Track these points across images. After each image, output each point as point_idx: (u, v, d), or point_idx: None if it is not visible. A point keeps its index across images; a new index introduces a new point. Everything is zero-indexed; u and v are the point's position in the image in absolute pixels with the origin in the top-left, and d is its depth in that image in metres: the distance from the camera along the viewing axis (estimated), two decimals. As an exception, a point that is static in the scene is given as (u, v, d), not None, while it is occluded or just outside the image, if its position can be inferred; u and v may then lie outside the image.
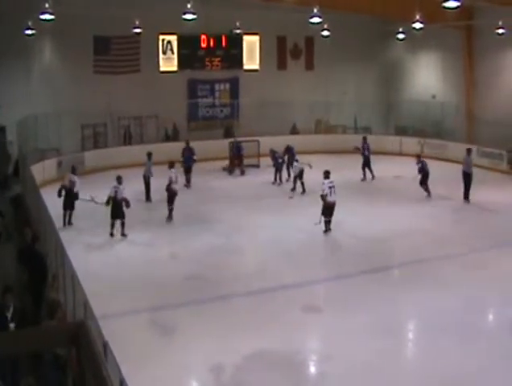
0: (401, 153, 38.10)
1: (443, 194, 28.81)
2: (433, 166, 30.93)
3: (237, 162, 34.70)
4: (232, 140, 35.69)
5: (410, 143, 38.56)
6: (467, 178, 27.89)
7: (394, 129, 42.21)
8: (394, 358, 14.26)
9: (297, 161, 30.56)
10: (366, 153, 32.46)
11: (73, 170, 25.49)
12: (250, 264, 21.56)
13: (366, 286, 18.45)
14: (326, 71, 42.95)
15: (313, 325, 16.36)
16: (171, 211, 25.49)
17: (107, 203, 23.33)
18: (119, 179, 23.55)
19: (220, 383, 13.32)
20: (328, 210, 23.06)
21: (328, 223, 23.18)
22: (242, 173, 34.01)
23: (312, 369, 14.53)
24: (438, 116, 39.59)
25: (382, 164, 34.96)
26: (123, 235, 23.26)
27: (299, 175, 29.52)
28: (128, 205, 23.28)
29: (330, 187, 23.10)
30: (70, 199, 24.45)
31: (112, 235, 23.15)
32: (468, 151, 28.75)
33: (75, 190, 24.61)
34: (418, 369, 13.95)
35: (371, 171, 32.30)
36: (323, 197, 23.02)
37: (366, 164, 32.40)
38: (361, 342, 14.83)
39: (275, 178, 31.52)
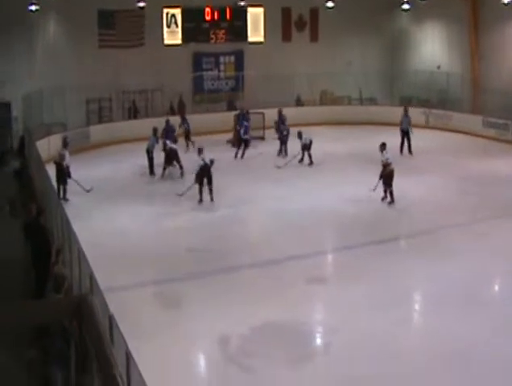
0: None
1: (449, 164, 28.81)
2: (438, 137, 30.94)
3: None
4: (238, 112, 35.50)
5: (415, 113, 38.37)
6: (405, 135, 31.26)
7: (398, 100, 42.03)
8: (399, 328, 14.32)
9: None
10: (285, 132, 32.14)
11: (64, 144, 25.69)
12: (256, 236, 21.66)
13: (372, 257, 18.50)
14: (331, 42, 42.75)
15: (319, 296, 16.47)
16: (164, 169, 27.85)
17: (196, 176, 23.97)
18: (201, 150, 24.25)
19: (226, 354, 13.43)
20: (389, 178, 23.24)
21: (391, 193, 23.34)
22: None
23: (318, 340, 14.65)
24: (443, 86, 39.44)
25: (388, 135, 34.85)
26: (212, 200, 23.96)
27: (307, 146, 29.43)
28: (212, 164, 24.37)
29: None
30: (60, 173, 24.35)
31: (201, 201, 23.95)
32: (406, 110, 32.03)
33: (64, 164, 24.48)
34: (422, 339, 14.05)
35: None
36: (386, 165, 23.25)
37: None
38: (366, 312, 14.92)
39: (280, 150, 31.48)
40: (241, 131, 32.27)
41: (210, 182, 23.98)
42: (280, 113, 33.20)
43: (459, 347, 13.20)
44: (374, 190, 23.41)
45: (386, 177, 23.31)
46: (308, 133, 29.99)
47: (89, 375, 2.56)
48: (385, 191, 23.46)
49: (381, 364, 12.70)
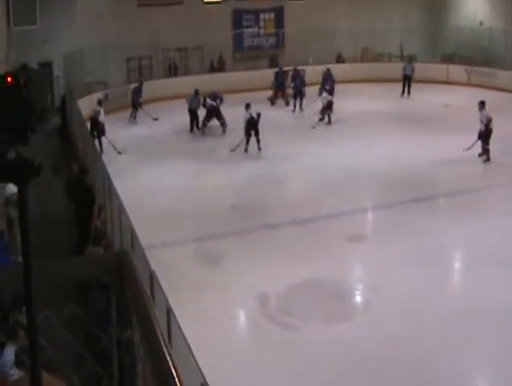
0: (447, 82, 37.54)
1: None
2: (481, 95, 30.44)
3: (280, 92, 34.51)
4: (277, 70, 35.45)
5: (457, 71, 37.93)
6: (407, 79, 35.26)
7: (440, 57, 41.48)
8: (437, 287, 14.35)
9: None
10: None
11: (99, 102, 26.64)
12: (295, 194, 21.71)
13: (412, 215, 18.45)
14: (372, -2, 42.22)
15: (358, 254, 16.51)
16: (205, 126, 28.55)
17: (246, 130, 25.02)
18: (248, 105, 25.39)
19: (265, 311, 13.55)
20: (488, 136, 23.14)
21: (488, 151, 23.21)
22: (287, 103, 33.79)
23: (357, 298, 14.71)
24: (486, 43, 38.79)
25: (429, 92, 34.61)
26: (259, 149, 25.10)
27: (328, 106, 29.32)
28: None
29: None
30: (96, 128, 25.17)
31: (246, 150, 25.13)
32: (410, 59, 36.94)
33: (100, 119, 25.39)
34: (461, 299, 14.07)
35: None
36: (488, 123, 23.08)
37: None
38: (405, 271, 14.93)
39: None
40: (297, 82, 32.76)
41: (257, 134, 24.94)
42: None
43: (496, 307, 13.19)
44: (469, 148, 23.14)
45: (487, 134, 23.12)
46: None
47: (130, 331, 2.64)
48: (483, 148, 23.24)
49: (419, 323, 12.77)
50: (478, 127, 23.21)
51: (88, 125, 24.78)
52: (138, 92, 30.86)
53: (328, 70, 32.85)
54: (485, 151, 23.17)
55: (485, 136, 23.14)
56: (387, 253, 15.88)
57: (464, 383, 11.46)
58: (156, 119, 30.10)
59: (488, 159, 23.10)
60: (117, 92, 32.70)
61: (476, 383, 12.09)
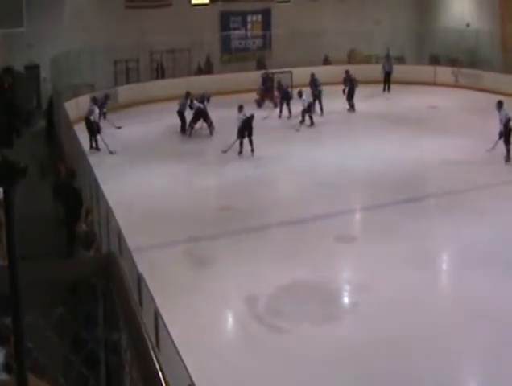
0: (435, 83, 37.64)
1: (478, 124, 28.44)
2: (468, 96, 30.59)
3: (269, 94, 34.49)
4: (263, 71, 35.47)
5: (445, 73, 38.01)
6: (387, 76, 36.78)
7: (427, 59, 41.57)
8: (426, 288, 14.36)
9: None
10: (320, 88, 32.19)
11: (94, 101, 27.31)
12: (284, 195, 21.67)
13: (401, 216, 18.49)
14: (359, 0, 42.23)
15: (347, 255, 16.54)
16: (192, 128, 28.49)
17: (239, 130, 24.90)
18: (241, 107, 25.44)
19: (255, 312, 13.53)
20: (509, 136, 23.00)
21: (509, 151, 23.08)
22: (275, 105, 33.76)
23: (346, 299, 14.72)
24: (472, 44, 38.89)
25: (416, 94, 34.69)
26: (252, 151, 24.91)
27: (308, 108, 29.33)
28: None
29: None
30: (88, 125, 25.77)
31: (241, 152, 24.99)
32: (388, 58, 37.81)
33: (91, 118, 25.85)
34: (450, 300, 14.11)
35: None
36: (508, 124, 22.91)
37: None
38: (395, 272, 14.97)
39: (314, 107, 31.20)
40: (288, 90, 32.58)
41: (251, 135, 24.84)
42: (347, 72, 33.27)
43: (485, 308, 13.21)
44: (493, 148, 23.11)
45: (507, 134, 23.02)
46: (308, 94, 30.09)
47: (117, 334, 2.64)
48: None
49: (408, 324, 12.77)
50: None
51: (84, 123, 25.69)
52: (102, 103, 30.57)
53: (347, 73, 32.86)
54: (507, 151, 23.10)
55: (505, 135, 23.09)
56: (378, 254, 15.88)
57: (452, 383, 11.47)
58: (119, 128, 29.80)
59: (508, 160, 23.04)
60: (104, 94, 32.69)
61: (464, 384, 12.10)
